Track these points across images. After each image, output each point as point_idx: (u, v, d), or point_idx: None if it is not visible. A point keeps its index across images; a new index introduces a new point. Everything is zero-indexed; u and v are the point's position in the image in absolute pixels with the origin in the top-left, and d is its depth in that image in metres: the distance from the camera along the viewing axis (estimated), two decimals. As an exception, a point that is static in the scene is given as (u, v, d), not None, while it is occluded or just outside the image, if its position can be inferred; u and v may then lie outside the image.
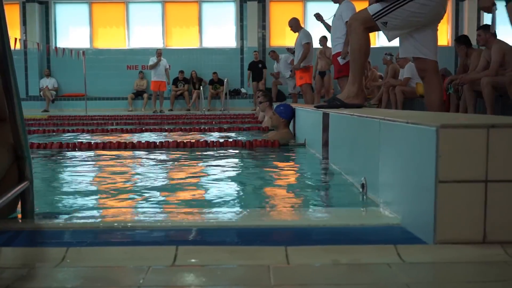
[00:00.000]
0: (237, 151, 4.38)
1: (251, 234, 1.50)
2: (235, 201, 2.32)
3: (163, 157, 4.10)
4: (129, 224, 1.61)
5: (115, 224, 1.60)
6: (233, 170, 3.46)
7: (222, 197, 2.37)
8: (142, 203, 2.21)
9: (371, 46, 3.65)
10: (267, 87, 13.24)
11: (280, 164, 3.76)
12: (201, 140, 4.87)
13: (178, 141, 4.75)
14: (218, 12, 15.52)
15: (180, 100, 14.88)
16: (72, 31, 15.69)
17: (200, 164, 3.71)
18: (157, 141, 4.80)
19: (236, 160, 3.96)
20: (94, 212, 1.88)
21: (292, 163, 3.89)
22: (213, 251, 1.37)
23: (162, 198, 2.35)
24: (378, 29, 3.50)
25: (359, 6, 5.08)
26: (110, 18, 15.53)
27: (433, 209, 1.37)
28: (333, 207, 2.23)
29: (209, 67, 15.05)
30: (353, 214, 1.75)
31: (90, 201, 2.28)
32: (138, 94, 14.95)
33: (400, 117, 1.81)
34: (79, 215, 1.71)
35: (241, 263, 1.30)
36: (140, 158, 4.00)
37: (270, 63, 13.30)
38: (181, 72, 14.72)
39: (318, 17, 8.17)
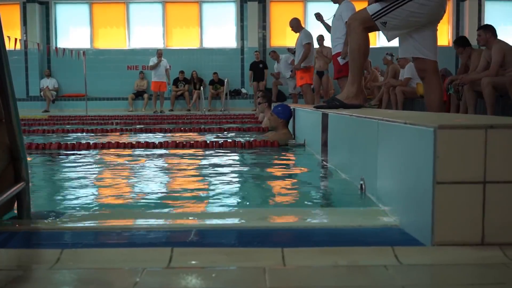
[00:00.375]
0: (236, 152, 4.37)
1: (248, 236, 1.48)
2: (232, 202, 2.31)
3: (162, 157, 4.10)
4: (125, 225, 1.59)
5: (111, 225, 1.59)
6: (232, 171, 3.45)
7: (219, 198, 2.36)
8: (138, 204, 2.20)
9: (372, 46, 3.64)
10: (268, 87, 13.24)
11: (279, 165, 3.75)
12: (200, 141, 4.86)
13: (178, 141, 4.74)
14: (218, 12, 15.51)
15: (181, 100, 14.87)
16: (72, 31, 15.69)
17: (199, 165, 3.70)
18: (157, 141, 4.79)
19: (235, 161, 3.95)
20: (90, 213, 1.86)
21: (291, 164, 3.87)
22: (209, 252, 1.36)
23: (159, 199, 2.34)
24: (377, 29, 3.49)
25: (359, 6, 5.07)
26: (110, 18, 15.53)
27: (430, 211, 1.36)
28: (331, 207, 2.22)
29: (209, 67, 15.04)
30: (351, 215, 1.74)
31: (86, 202, 2.27)
32: (138, 95, 14.95)
33: (398, 117, 1.80)
34: (75, 216, 1.70)
35: (237, 265, 1.29)
36: (139, 158, 3.99)
37: (271, 63, 13.29)
38: (182, 72, 14.71)
39: (318, 17, 8.16)
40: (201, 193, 2.49)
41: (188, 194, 2.47)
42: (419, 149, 1.47)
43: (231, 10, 15.50)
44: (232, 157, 4.09)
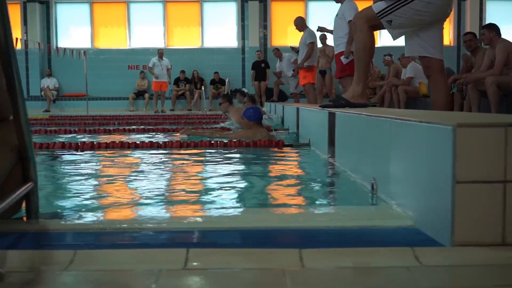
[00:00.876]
0: (241, 151, 4.34)
1: (264, 236, 1.46)
2: (245, 202, 2.28)
3: (167, 157, 4.07)
4: (139, 225, 1.57)
5: (124, 225, 1.57)
6: (240, 171, 3.42)
7: (230, 198, 2.33)
8: (149, 204, 2.17)
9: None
10: (269, 87, 13.21)
11: (287, 164, 3.72)
12: (204, 140, 4.83)
13: (182, 141, 4.71)
14: (219, 11, 15.48)
15: (182, 100, 14.85)
16: (73, 31, 15.66)
17: (205, 164, 3.68)
18: (161, 141, 4.77)
19: (242, 160, 3.92)
20: (101, 213, 1.84)
21: (298, 163, 3.85)
22: (225, 253, 1.33)
23: (170, 199, 2.31)
24: (382, 28, 3.46)
25: (361, 5, 5.04)
26: (111, 17, 15.50)
27: (450, 210, 1.34)
28: (346, 207, 2.19)
29: (210, 67, 15.01)
30: (366, 215, 1.72)
31: (96, 201, 2.24)
32: (139, 94, 14.92)
33: (411, 116, 1.78)
34: (86, 216, 1.68)
35: (254, 266, 1.26)
36: (144, 158, 3.97)
37: (272, 62, 13.25)
38: (183, 72, 14.69)
39: (322, 30, 8.22)
40: (213, 193, 2.46)
41: (198, 194, 2.44)
42: (436, 148, 1.44)
43: (232, 9, 15.47)
44: (238, 157, 4.06)
